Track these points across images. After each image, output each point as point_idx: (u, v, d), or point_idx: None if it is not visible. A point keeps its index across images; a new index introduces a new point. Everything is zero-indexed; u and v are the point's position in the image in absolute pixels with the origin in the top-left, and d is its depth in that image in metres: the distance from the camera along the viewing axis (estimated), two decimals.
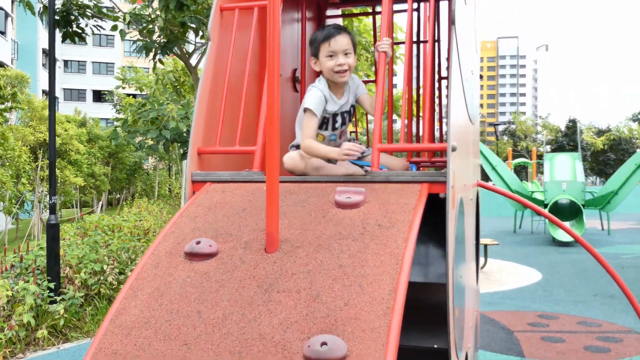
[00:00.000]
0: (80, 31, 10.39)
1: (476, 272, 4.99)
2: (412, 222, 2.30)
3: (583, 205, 18.02)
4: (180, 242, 2.40)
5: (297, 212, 2.48)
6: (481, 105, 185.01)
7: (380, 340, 1.83)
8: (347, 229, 2.30)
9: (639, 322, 7.98)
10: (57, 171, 22.55)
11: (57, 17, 9.63)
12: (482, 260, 12.83)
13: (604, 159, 61.56)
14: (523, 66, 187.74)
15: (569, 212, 18.25)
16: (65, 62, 63.79)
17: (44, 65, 44.43)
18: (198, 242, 2.30)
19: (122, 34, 10.16)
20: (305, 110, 2.91)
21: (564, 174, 18.84)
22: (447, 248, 2.50)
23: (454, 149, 2.58)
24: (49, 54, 7.79)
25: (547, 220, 17.93)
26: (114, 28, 10.40)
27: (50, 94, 7.70)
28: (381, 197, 2.51)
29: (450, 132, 2.56)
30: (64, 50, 61.38)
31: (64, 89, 63.46)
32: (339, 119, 3.08)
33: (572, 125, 62.32)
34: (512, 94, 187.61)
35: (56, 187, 12.24)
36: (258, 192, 2.70)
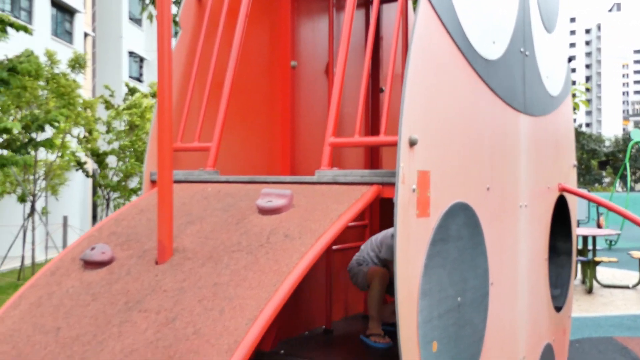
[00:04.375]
0: None
1: (564, 295, 4.18)
2: (324, 233, 1.85)
3: None
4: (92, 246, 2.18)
5: (216, 217, 2.13)
6: None
7: None
8: (250, 239, 1.91)
9: None
10: None
11: None
12: (635, 277, 11.18)
13: None
14: None
15: None
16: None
17: None
18: (93, 248, 2.06)
19: None
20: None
21: None
22: (395, 266, 1.99)
23: (413, 143, 2.05)
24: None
25: None
26: None
27: None
28: (314, 200, 2.07)
29: (406, 122, 2.04)
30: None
31: None
32: None
33: None
34: None
35: None
36: (201, 193, 2.40)
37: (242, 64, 3.04)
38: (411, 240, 2.08)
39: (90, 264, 2.03)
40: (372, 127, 4.15)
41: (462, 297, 2.45)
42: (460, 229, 2.45)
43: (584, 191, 4.13)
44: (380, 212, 4.22)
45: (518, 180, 3.18)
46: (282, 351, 3.22)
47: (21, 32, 11.47)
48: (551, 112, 3.81)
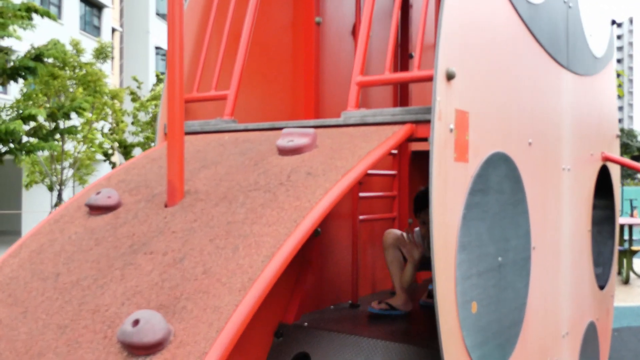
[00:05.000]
0: None
1: (606, 273, 3.91)
2: (351, 169, 1.64)
3: None
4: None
5: (232, 160, 1.95)
6: None
7: (217, 325, 1.25)
8: (268, 178, 1.72)
9: None
10: None
11: None
12: None
13: None
14: None
15: None
16: None
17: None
18: (98, 193, 1.89)
19: None
20: None
21: None
22: (430, 214, 1.78)
23: (450, 76, 1.84)
24: None
25: None
26: None
27: None
28: (340, 141, 1.87)
29: (443, 53, 1.82)
30: None
31: None
32: None
33: None
34: None
35: None
36: (218, 141, 2.21)
37: (264, 16, 2.85)
38: (448, 186, 1.87)
39: (96, 209, 1.86)
40: (402, 94, 3.93)
41: (503, 257, 2.23)
42: (502, 182, 2.23)
43: (630, 160, 3.85)
44: (410, 185, 4.00)
45: (561, 140, 2.94)
46: (306, 323, 3.03)
47: (50, 27, 11.50)
48: (594, 73, 3.55)
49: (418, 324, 3.00)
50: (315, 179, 1.63)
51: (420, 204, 3.20)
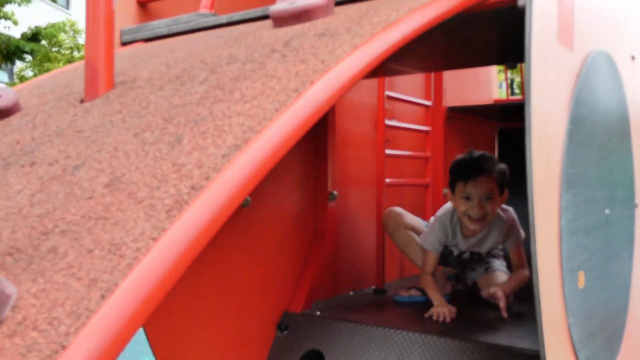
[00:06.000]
0: None
1: None
2: (398, 22, 0.93)
3: None
4: None
5: (200, 44, 1.24)
6: None
7: (107, 282, 0.54)
8: (251, 50, 1.01)
9: None
10: None
11: None
12: None
13: None
14: None
15: None
16: None
17: None
18: None
19: None
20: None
21: None
22: (527, 127, 1.06)
23: None
24: None
25: None
26: None
27: None
28: (371, 4, 1.15)
29: None
30: None
31: None
32: (466, 256, 2.48)
33: None
34: None
35: None
36: (186, 39, 1.50)
37: None
38: (550, 81, 1.15)
39: None
40: None
41: (610, 209, 1.50)
42: (609, 97, 1.51)
43: None
44: (445, 146, 3.27)
45: None
46: (318, 312, 2.33)
47: (57, 17, 11.05)
48: None
49: (461, 311, 2.28)
50: (333, 38, 0.91)
51: (468, 171, 2.26)
